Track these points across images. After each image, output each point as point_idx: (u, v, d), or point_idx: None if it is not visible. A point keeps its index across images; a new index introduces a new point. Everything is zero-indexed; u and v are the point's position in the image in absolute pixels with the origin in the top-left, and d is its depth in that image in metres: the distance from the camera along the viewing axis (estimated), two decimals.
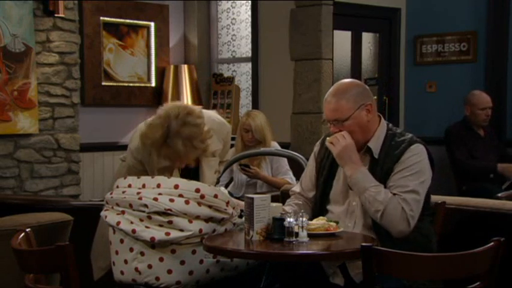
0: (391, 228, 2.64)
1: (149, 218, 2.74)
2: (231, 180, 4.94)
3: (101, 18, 6.06)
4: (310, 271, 2.77)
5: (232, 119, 6.49)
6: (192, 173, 3.08)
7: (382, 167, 2.72)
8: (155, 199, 2.74)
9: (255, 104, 6.29)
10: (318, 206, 2.89)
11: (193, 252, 2.77)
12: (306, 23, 5.81)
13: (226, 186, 4.69)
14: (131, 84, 6.30)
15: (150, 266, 2.76)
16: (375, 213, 2.65)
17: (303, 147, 5.68)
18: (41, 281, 2.60)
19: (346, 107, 2.74)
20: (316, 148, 2.99)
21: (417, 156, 2.71)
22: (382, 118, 2.86)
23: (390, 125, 2.88)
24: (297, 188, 3.04)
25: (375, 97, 5.47)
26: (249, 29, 6.52)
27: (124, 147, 3.53)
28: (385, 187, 2.70)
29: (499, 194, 4.18)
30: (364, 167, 2.69)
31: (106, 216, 2.89)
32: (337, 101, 2.75)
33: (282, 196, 3.65)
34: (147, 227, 2.74)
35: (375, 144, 2.77)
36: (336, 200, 2.83)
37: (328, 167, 2.87)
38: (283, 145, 5.16)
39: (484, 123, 5.69)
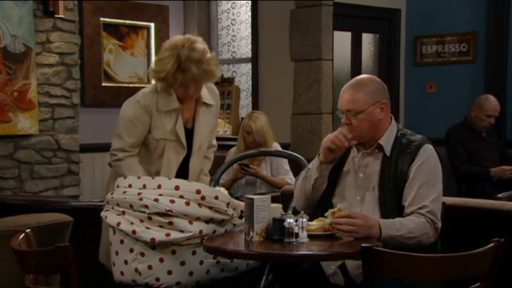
0: (425, 242, 2.68)
1: (149, 218, 2.74)
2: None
3: (101, 18, 6.06)
4: (310, 271, 2.77)
5: (233, 119, 6.49)
6: (188, 132, 3.22)
7: (396, 167, 2.75)
8: (156, 200, 2.74)
9: (255, 105, 6.29)
10: (324, 201, 2.90)
11: (194, 253, 2.77)
12: (306, 24, 5.81)
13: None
14: (131, 85, 6.30)
15: (150, 267, 2.76)
16: (412, 245, 2.65)
17: (303, 148, 5.68)
18: (41, 282, 2.59)
19: (363, 101, 2.77)
20: None
21: (431, 159, 2.75)
22: (393, 118, 2.90)
23: (400, 125, 2.91)
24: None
25: None
26: (249, 30, 6.53)
27: None
28: (402, 191, 2.71)
29: (499, 195, 4.18)
30: (377, 221, 2.65)
31: (106, 217, 2.89)
32: (355, 92, 2.79)
33: (282, 197, 3.66)
34: (147, 227, 2.75)
35: (386, 142, 2.80)
36: (341, 194, 2.86)
37: (335, 162, 2.89)
38: (283, 146, 5.16)
39: (484, 129, 5.68)
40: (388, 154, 2.79)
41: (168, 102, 3.17)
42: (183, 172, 3.23)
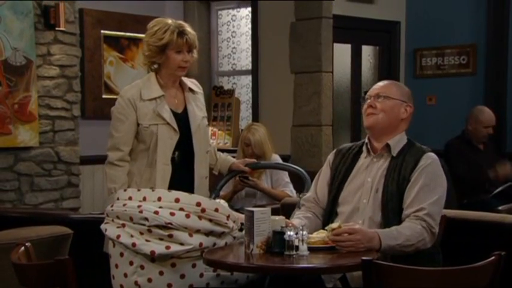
0: (422, 248, 2.71)
1: (149, 231, 2.74)
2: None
3: (102, 31, 6.08)
4: (310, 284, 2.76)
5: (233, 131, 6.49)
6: (180, 116, 3.34)
7: (400, 171, 2.81)
8: (156, 212, 2.74)
9: (255, 117, 6.29)
10: (329, 209, 2.94)
11: (194, 265, 2.76)
12: (306, 36, 5.83)
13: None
14: None
15: (150, 280, 2.75)
16: (409, 252, 2.68)
17: (303, 160, 5.68)
18: None
19: (395, 92, 2.91)
20: (331, 157, 3.08)
21: (434, 164, 2.81)
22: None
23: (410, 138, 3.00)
24: (312, 195, 3.05)
25: None
26: (249, 42, 6.54)
27: None
28: (403, 194, 2.76)
29: (500, 207, 4.18)
30: (376, 232, 2.67)
31: (106, 230, 2.88)
32: (390, 84, 2.97)
33: (282, 209, 3.65)
34: (147, 240, 2.74)
35: (395, 144, 2.88)
36: (346, 200, 2.90)
37: (343, 172, 2.96)
38: (284, 158, 5.15)
39: (484, 139, 5.67)
40: (394, 155, 2.85)
41: (151, 91, 3.34)
42: (188, 155, 3.31)
